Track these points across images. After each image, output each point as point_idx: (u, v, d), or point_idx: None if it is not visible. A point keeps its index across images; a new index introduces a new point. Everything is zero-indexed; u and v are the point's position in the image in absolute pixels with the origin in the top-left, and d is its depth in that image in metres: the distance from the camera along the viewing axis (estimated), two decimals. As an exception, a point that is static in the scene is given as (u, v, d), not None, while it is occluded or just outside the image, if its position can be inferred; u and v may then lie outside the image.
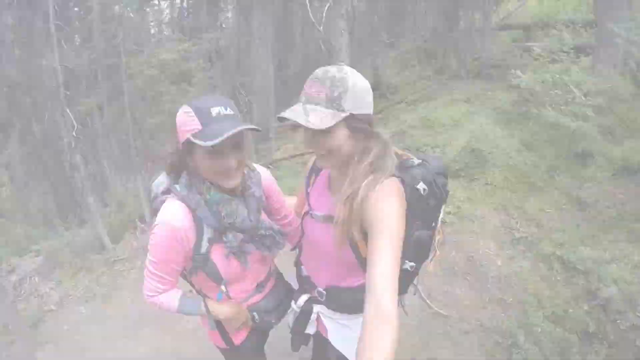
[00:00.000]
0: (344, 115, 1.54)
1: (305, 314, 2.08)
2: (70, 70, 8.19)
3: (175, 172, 1.88)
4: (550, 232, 4.65)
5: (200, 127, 1.62)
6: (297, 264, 2.22)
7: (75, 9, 12.87)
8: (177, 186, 1.82)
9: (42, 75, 9.63)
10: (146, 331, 5.01)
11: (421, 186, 1.67)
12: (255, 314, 2.18)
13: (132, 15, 10.98)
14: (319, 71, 1.61)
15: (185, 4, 22.49)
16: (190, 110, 1.66)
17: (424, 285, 4.46)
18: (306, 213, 1.96)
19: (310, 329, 2.12)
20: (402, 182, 1.65)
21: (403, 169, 1.70)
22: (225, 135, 1.56)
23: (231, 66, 9.80)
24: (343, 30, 7.73)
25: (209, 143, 1.56)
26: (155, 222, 1.79)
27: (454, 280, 4.48)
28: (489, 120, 7.23)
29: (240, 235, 1.92)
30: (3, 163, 14.53)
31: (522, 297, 4.04)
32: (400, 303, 2.25)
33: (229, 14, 16.60)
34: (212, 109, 1.63)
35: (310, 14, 9.23)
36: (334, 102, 1.54)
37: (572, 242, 4.38)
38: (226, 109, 1.67)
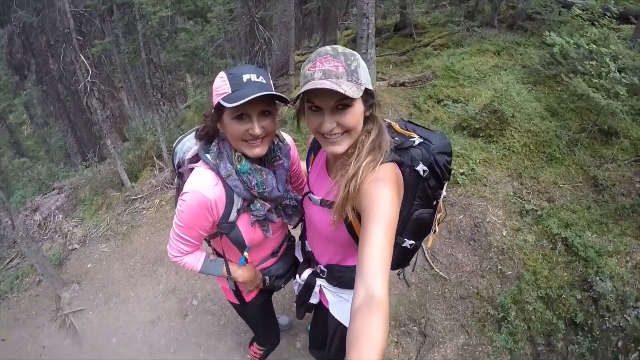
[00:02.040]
0: (363, 87, 1.52)
1: (308, 287, 2.19)
2: (82, 13, 7.84)
3: (206, 139, 1.90)
4: (560, 210, 4.64)
5: (230, 90, 1.66)
6: (302, 237, 2.28)
7: None
8: (208, 155, 1.83)
9: (55, 17, 9.32)
10: (163, 270, 5.28)
11: (421, 167, 1.69)
12: (267, 277, 2.34)
13: None
14: (324, 49, 1.55)
15: None
16: (224, 76, 1.70)
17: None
18: (305, 194, 1.98)
19: (314, 299, 2.24)
20: (400, 164, 1.64)
21: (402, 150, 1.69)
22: (249, 97, 1.58)
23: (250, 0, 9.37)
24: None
25: (233, 104, 1.60)
26: (185, 190, 1.81)
27: (458, 244, 4.54)
28: (516, 78, 7.05)
29: (268, 205, 1.98)
30: (21, 103, 14.51)
31: (521, 272, 4.12)
32: (402, 275, 2.35)
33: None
34: (243, 75, 1.67)
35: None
36: (352, 75, 1.50)
37: (579, 225, 4.37)
38: (258, 77, 1.69)
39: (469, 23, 9.68)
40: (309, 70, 1.52)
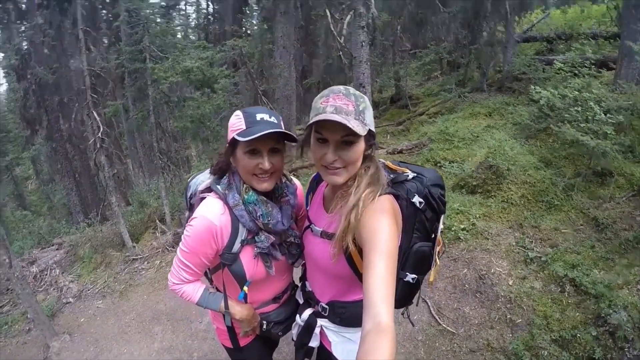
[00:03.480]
0: (367, 128, 1.64)
1: (308, 328, 2.13)
2: (97, 73, 8.44)
3: (219, 173, 2.04)
4: (565, 253, 4.59)
5: (244, 127, 1.82)
6: (302, 278, 2.29)
7: (103, 13, 13.27)
8: (218, 186, 1.97)
9: (70, 75, 9.98)
10: (159, 328, 5.21)
11: (417, 199, 1.76)
12: (264, 322, 2.29)
13: (158, 21, 11.24)
14: (338, 88, 1.68)
15: (211, 9, 23.00)
16: (240, 114, 1.88)
17: (434, 301, 4.48)
18: (306, 227, 2.03)
19: (314, 342, 2.16)
20: (397, 197, 1.72)
21: (397, 184, 1.78)
22: (261, 133, 1.74)
23: (255, 73, 9.91)
24: (364, 42, 7.76)
25: (247, 138, 1.75)
26: (194, 215, 1.92)
27: (464, 297, 4.46)
28: (509, 135, 7.21)
29: (272, 237, 2.03)
30: (29, 157, 14.96)
31: (531, 319, 4.00)
32: (405, 314, 2.30)
33: (254, 21, 16.84)
34: (257, 115, 1.85)
35: (332, 26, 9.33)
36: (359, 115, 1.62)
37: (585, 264, 4.32)
38: (270, 117, 1.87)
39: (460, 90, 10.07)
40: (321, 104, 1.64)
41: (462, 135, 7.73)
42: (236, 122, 1.87)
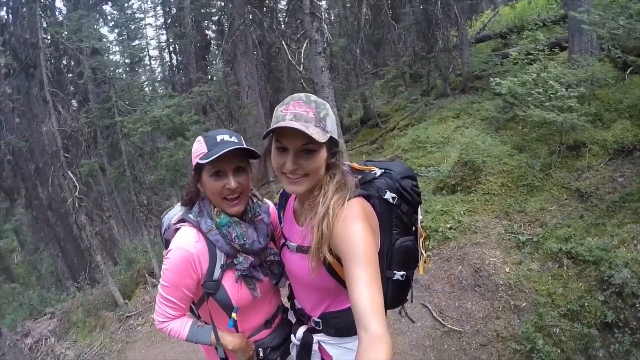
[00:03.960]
0: (328, 135, 1.58)
1: (305, 345, 2.03)
2: (69, 134, 8.48)
3: (189, 204, 1.99)
4: (555, 230, 4.52)
5: (206, 150, 1.80)
6: (290, 297, 2.20)
7: (69, 75, 13.37)
8: (190, 214, 1.92)
9: (43, 140, 9.98)
10: None
11: (389, 195, 1.70)
12: (260, 350, 2.16)
13: (124, 77, 11.42)
14: (298, 95, 1.64)
15: (174, 62, 23.42)
16: (201, 139, 1.87)
17: (434, 304, 4.37)
18: (282, 245, 1.96)
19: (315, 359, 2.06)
20: (368, 197, 1.66)
21: (366, 183, 1.73)
22: (222, 151, 1.72)
23: (224, 115, 9.97)
24: (323, 67, 7.84)
25: (209, 159, 1.73)
26: (169, 248, 1.86)
27: (463, 294, 4.34)
28: (479, 131, 7.23)
29: (251, 258, 1.95)
30: (12, 229, 14.84)
31: (536, 300, 3.89)
32: (403, 312, 2.20)
33: (217, 67, 17.17)
34: (218, 137, 1.84)
35: (289, 56, 9.46)
36: (320, 122, 1.57)
37: (578, 235, 4.24)
38: (230, 137, 1.85)
39: (426, 99, 10.21)
40: (281, 112, 1.60)
41: (434, 140, 7.77)
42: (198, 147, 1.85)
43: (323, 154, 1.62)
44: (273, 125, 1.57)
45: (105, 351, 6.17)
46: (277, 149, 1.63)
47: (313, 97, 1.64)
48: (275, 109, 1.65)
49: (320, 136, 1.52)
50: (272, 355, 2.22)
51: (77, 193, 6.98)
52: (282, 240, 1.97)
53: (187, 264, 1.82)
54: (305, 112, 1.56)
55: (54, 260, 13.99)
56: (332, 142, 1.64)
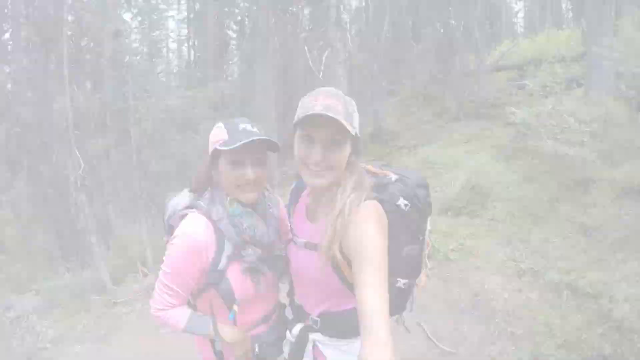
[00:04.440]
0: (355, 131, 1.58)
1: (300, 343, 2.01)
2: (81, 113, 8.43)
3: (199, 190, 1.95)
4: (557, 261, 4.53)
5: (227, 137, 1.75)
6: (290, 294, 2.19)
7: (87, 56, 13.42)
8: (200, 201, 1.89)
9: (53, 116, 9.93)
10: None
11: (402, 202, 1.67)
12: (256, 345, 2.14)
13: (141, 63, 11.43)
14: (328, 88, 1.65)
15: (192, 57, 23.53)
16: (222, 125, 1.82)
17: (430, 323, 4.33)
18: (290, 240, 1.95)
19: (307, 359, 2.05)
20: (381, 201, 1.64)
21: (381, 188, 1.69)
22: (244, 141, 1.68)
23: (236, 114, 10.01)
24: (342, 77, 7.90)
25: (232, 146, 1.68)
26: (175, 234, 1.83)
27: (460, 317, 4.33)
28: (489, 157, 7.24)
29: (259, 251, 1.93)
30: (9, 201, 14.71)
31: (533, 328, 3.88)
32: (400, 321, 2.18)
33: (235, 67, 17.21)
34: (240, 125, 1.79)
35: (310, 62, 9.50)
36: (348, 117, 1.56)
37: (579, 268, 4.26)
38: (252, 127, 1.80)
39: (438, 120, 10.21)
40: (310, 101, 1.58)
41: (443, 162, 7.78)
42: (218, 133, 1.80)
43: (348, 148, 1.60)
44: (302, 114, 1.55)
45: (88, 335, 6.07)
46: (302, 138, 1.61)
47: (341, 92, 1.63)
48: (302, 100, 1.64)
49: (350, 128, 1.51)
50: (269, 350, 2.22)
51: (80, 171, 6.93)
52: (290, 236, 1.96)
53: (193, 252, 1.80)
54: (335, 105, 1.54)
55: (47, 238, 13.83)
56: (356, 139, 1.63)
